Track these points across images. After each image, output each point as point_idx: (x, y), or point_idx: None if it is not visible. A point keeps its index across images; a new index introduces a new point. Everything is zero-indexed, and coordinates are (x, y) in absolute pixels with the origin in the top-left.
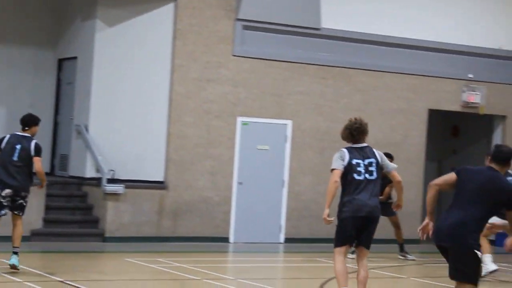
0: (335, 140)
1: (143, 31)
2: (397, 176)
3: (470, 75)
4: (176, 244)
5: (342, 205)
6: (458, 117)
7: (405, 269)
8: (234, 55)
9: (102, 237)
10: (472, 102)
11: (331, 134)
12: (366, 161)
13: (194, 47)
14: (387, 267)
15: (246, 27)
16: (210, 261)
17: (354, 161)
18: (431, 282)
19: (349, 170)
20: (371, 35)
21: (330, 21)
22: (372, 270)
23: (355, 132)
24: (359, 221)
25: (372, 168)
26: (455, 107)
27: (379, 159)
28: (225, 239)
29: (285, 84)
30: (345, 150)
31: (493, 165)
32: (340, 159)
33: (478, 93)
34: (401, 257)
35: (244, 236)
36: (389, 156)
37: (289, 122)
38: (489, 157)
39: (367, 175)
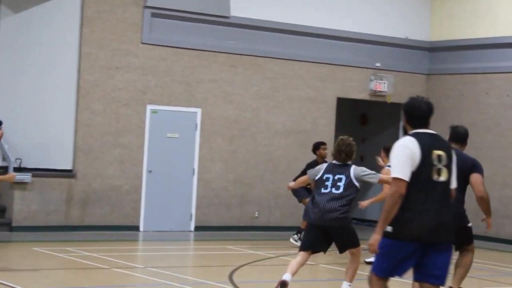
0: (244, 128)
1: (50, 18)
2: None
3: (378, 64)
4: (85, 233)
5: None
6: (366, 105)
7: (313, 256)
8: (143, 43)
9: (9, 227)
10: (380, 91)
11: (240, 122)
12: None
13: (102, 34)
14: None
15: (154, 15)
16: (119, 250)
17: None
18: (339, 268)
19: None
20: (280, 23)
21: (239, 9)
22: (280, 257)
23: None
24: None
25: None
26: (363, 95)
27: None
28: (135, 228)
29: (194, 72)
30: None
31: (452, 146)
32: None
33: (385, 81)
34: (293, 241)
35: (154, 224)
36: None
37: (198, 110)
38: (448, 138)
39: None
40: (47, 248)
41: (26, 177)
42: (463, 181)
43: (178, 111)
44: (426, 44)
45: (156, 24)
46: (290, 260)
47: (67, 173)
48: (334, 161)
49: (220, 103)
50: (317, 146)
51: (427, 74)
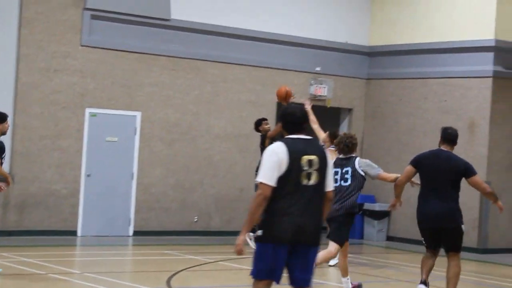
0: (184, 131)
1: None
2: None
3: (318, 68)
4: (22, 238)
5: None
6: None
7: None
8: (82, 45)
9: None
10: (320, 95)
11: (180, 125)
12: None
13: (41, 36)
14: (233, 259)
15: (94, 17)
16: (57, 255)
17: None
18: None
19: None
20: (220, 27)
21: (180, 12)
22: (220, 262)
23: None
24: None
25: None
26: (303, 99)
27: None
28: (73, 233)
29: (134, 75)
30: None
31: (443, 147)
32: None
33: (325, 86)
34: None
35: (92, 229)
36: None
37: (138, 114)
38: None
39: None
40: None
41: None
42: (456, 181)
43: (117, 114)
44: (366, 49)
45: (95, 26)
46: (231, 265)
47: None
48: (340, 155)
49: (160, 106)
50: (259, 123)
51: (366, 79)
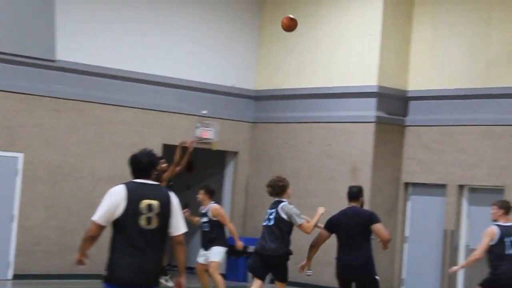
0: (68, 173)
1: None
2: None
3: (204, 111)
4: None
5: None
6: (193, 152)
7: None
8: None
9: None
10: (206, 138)
11: (64, 167)
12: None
13: None
14: None
15: None
16: None
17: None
18: None
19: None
20: (106, 68)
21: (65, 53)
22: None
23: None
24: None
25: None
26: (189, 138)
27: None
28: None
29: (17, 116)
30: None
31: (350, 204)
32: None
33: (211, 129)
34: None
35: None
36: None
37: (20, 155)
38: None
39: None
40: None
41: None
42: (365, 232)
43: None
44: (252, 92)
45: None
46: None
47: None
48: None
49: (43, 148)
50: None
51: (252, 122)
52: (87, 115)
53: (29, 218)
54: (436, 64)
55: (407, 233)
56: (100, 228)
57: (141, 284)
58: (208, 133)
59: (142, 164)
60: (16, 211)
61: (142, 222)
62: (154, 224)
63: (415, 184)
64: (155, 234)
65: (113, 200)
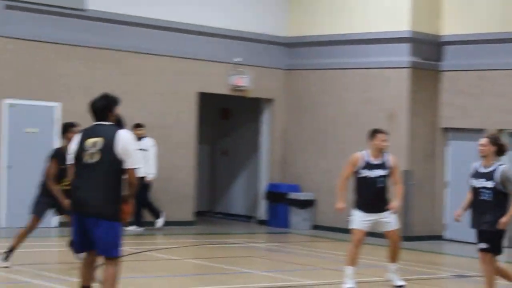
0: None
1: None
2: None
3: (238, 59)
4: None
5: None
6: (228, 100)
7: (179, 251)
8: None
9: None
10: (240, 86)
11: None
12: None
13: None
14: (160, 249)
15: (9, 7)
16: None
17: None
18: (204, 263)
19: None
20: (138, 17)
21: (97, 2)
22: (146, 253)
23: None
24: None
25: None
26: (223, 90)
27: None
28: None
29: (53, 66)
30: None
31: None
32: None
33: (245, 76)
34: None
35: (16, 220)
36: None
37: (57, 105)
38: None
39: None
40: None
41: None
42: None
43: (36, 105)
44: (285, 39)
45: (11, 17)
46: (158, 255)
47: None
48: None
49: (79, 97)
50: (66, 128)
51: (287, 69)
52: (122, 65)
53: None
54: (470, 8)
55: (447, 178)
56: (70, 167)
57: (86, 213)
58: (242, 80)
59: (94, 106)
60: None
61: (86, 157)
62: (95, 158)
63: (454, 129)
64: (96, 167)
65: (73, 144)
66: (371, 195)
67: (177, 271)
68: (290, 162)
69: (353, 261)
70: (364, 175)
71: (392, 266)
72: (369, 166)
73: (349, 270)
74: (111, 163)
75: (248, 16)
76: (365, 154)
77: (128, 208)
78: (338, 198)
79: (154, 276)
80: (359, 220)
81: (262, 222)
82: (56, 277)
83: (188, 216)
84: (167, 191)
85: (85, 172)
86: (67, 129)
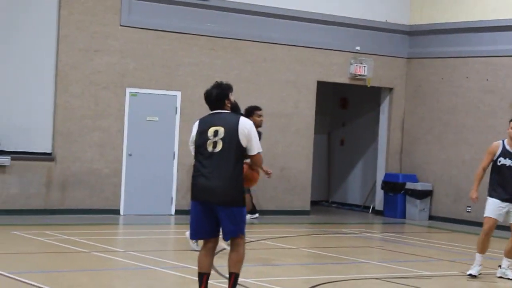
0: None
1: (27, 0)
2: None
3: (358, 48)
4: (65, 216)
5: None
6: (346, 89)
7: (294, 240)
8: (122, 25)
9: None
10: (360, 74)
11: None
12: None
13: (80, 16)
14: (276, 238)
15: None
16: (99, 233)
17: None
18: (319, 252)
19: None
20: (260, 6)
21: None
22: (261, 241)
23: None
24: None
25: None
26: (343, 79)
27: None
28: (116, 211)
29: (174, 55)
30: None
31: None
32: None
33: (365, 65)
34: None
35: (134, 208)
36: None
37: (178, 94)
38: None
39: None
40: (26, 232)
41: (5, 160)
42: None
43: (157, 94)
44: (406, 27)
45: (135, 7)
46: (274, 244)
47: (46, 156)
48: None
49: (200, 86)
50: (251, 112)
51: (407, 58)
52: (242, 53)
53: (189, 155)
54: None
55: None
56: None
57: (208, 201)
58: (362, 69)
59: (210, 97)
60: (176, 149)
61: (209, 146)
62: (218, 147)
63: None
64: (219, 156)
65: (193, 133)
66: (507, 184)
67: (293, 260)
68: (407, 151)
69: (482, 249)
70: (501, 163)
71: (507, 261)
72: (507, 154)
73: (478, 257)
74: (235, 151)
75: (369, 4)
76: (503, 143)
77: (257, 175)
78: (474, 188)
79: (270, 265)
80: (493, 207)
81: (378, 212)
82: (173, 264)
83: (305, 205)
84: (284, 180)
85: (210, 161)
86: (252, 112)
